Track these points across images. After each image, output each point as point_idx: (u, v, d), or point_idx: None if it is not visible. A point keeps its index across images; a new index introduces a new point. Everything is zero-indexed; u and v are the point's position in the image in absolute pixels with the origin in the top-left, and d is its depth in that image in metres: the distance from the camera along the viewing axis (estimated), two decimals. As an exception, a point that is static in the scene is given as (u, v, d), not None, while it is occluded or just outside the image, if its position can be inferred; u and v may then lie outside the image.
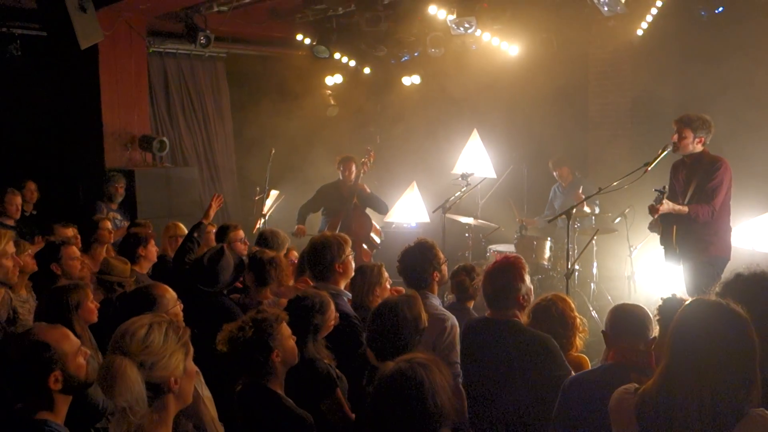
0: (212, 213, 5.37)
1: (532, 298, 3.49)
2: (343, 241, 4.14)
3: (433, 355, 2.20)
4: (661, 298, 2.90)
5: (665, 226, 5.28)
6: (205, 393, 3.08)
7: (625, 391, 2.21)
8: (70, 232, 5.66)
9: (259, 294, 4.27)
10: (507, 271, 3.37)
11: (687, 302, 2.18)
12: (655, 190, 5.05)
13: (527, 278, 3.41)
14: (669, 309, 2.84)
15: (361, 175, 7.26)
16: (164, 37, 8.81)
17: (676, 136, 5.18)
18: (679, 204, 5.18)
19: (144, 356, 2.06)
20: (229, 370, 2.93)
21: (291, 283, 4.63)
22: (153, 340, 2.09)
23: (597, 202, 7.31)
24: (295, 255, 5.21)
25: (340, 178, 7.37)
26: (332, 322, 3.43)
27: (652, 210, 5.09)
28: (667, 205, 5.03)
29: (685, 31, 7.70)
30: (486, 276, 3.46)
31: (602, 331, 2.96)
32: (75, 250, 4.71)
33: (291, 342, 2.90)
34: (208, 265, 4.12)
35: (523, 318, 3.66)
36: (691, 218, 5.07)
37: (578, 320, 3.64)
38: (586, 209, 7.26)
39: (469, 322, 3.64)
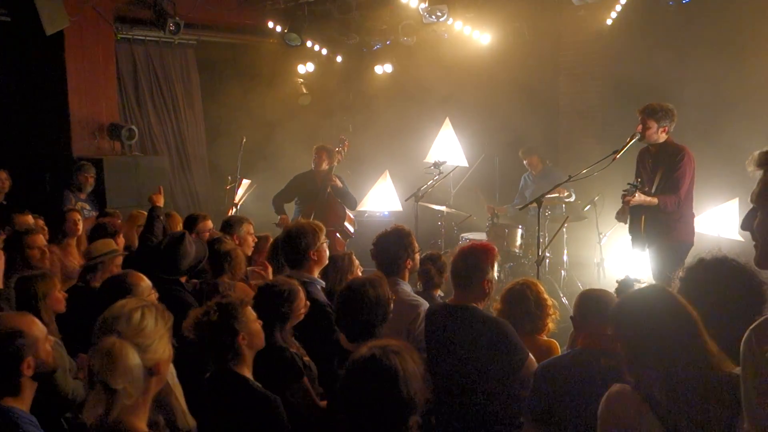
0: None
1: (494, 291, 3.50)
2: (318, 229, 4.14)
3: (405, 342, 2.21)
4: (617, 281, 2.95)
5: (634, 215, 5.44)
6: (174, 380, 3.06)
7: (621, 393, 2.16)
8: (30, 219, 5.56)
9: (215, 279, 4.26)
10: (479, 253, 3.42)
11: (629, 294, 2.25)
12: (629, 184, 5.19)
13: (496, 268, 3.45)
14: (625, 290, 2.91)
15: (335, 164, 7.24)
16: (132, 24, 8.66)
17: (640, 126, 5.30)
18: (646, 192, 5.32)
19: (140, 339, 2.09)
20: (197, 358, 2.92)
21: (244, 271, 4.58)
22: (147, 324, 2.13)
23: (572, 189, 7.39)
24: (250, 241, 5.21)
25: (312, 167, 7.35)
26: (302, 311, 3.42)
27: (626, 200, 5.22)
28: (639, 197, 5.19)
29: (653, 20, 7.81)
30: (458, 253, 3.48)
31: (570, 317, 3.01)
32: (38, 239, 4.64)
33: (256, 325, 2.91)
34: (166, 250, 4.03)
35: (495, 305, 3.70)
36: (660, 209, 5.21)
37: (549, 302, 3.70)
38: (565, 193, 7.31)
39: (429, 308, 3.66)
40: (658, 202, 5.22)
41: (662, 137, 5.30)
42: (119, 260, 4.44)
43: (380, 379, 2.05)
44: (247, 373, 2.86)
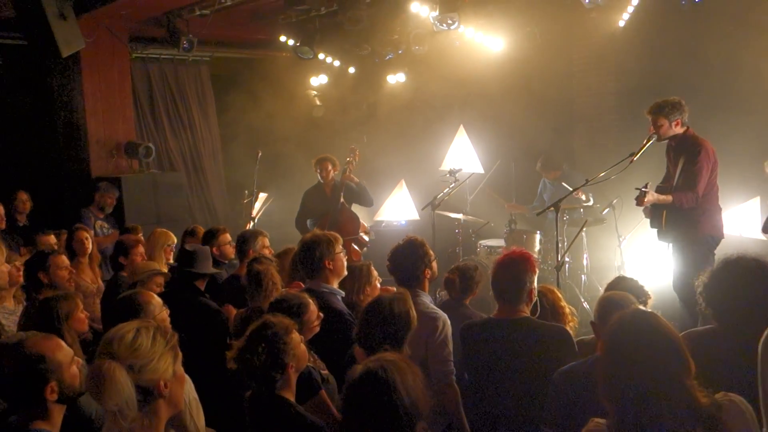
0: None
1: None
2: (333, 239, 4.14)
3: (400, 354, 2.20)
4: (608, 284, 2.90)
5: (655, 210, 5.37)
6: (192, 395, 3.04)
7: (596, 426, 2.09)
8: (52, 239, 5.60)
9: (255, 302, 4.23)
10: (520, 263, 3.38)
11: (617, 321, 2.12)
12: (637, 189, 5.13)
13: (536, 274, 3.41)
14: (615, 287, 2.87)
15: (347, 173, 7.25)
16: (147, 43, 8.76)
17: (652, 127, 5.25)
18: (671, 184, 5.27)
19: (132, 359, 2.06)
20: (232, 378, 2.88)
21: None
22: (141, 344, 2.10)
23: (590, 192, 7.32)
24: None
25: (319, 179, 7.37)
26: (315, 324, 3.38)
27: (639, 202, 5.16)
28: (652, 197, 5.11)
29: (666, 20, 7.74)
30: (498, 266, 3.42)
31: (591, 322, 2.97)
32: (63, 260, 4.68)
33: (302, 347, 2.83)
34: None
35: None
36: (676, 206, 5.14)
37: (567, 309, 3.66)
38: (582, 197, 7.25)
39: (466, 325, 3.60)
40: (674, 200, 5.14)
41: (678, 130, 5.24)
42: (159, 279, 4.48)
43: (378, 393, 2.04)
44: (291, 396, 2.79)
